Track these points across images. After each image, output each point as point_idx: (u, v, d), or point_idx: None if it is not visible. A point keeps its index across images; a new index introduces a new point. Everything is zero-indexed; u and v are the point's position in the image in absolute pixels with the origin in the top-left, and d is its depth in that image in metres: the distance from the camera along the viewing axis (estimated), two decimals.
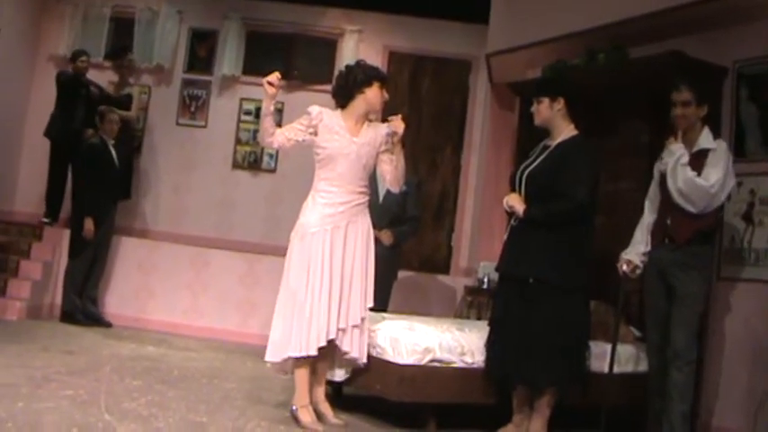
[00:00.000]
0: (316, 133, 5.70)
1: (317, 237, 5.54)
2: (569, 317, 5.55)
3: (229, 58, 11.21)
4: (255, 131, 10.87)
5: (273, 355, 5.64)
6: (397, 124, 5.67)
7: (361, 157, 5.67)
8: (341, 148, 5.64)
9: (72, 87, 10.19)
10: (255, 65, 11.12)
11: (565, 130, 5.78)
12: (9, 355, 6.92)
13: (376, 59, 10.26)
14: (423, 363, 5.73)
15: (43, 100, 10.63)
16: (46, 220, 10.26)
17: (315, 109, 5.76)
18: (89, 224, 9.39)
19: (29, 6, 11.25)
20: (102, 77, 10.88)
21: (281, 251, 6.18)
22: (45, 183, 10.43)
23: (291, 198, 7.65)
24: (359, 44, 11.14)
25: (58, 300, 9.79)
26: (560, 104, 5.76)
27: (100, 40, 11.42)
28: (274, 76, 5.64)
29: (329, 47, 11.35)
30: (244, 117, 11.25)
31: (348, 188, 5.65)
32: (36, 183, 10.78)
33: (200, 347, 8.95)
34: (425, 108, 11.10)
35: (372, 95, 5.75)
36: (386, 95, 5.83)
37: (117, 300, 10.19)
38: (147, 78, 11.35)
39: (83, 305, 9.63)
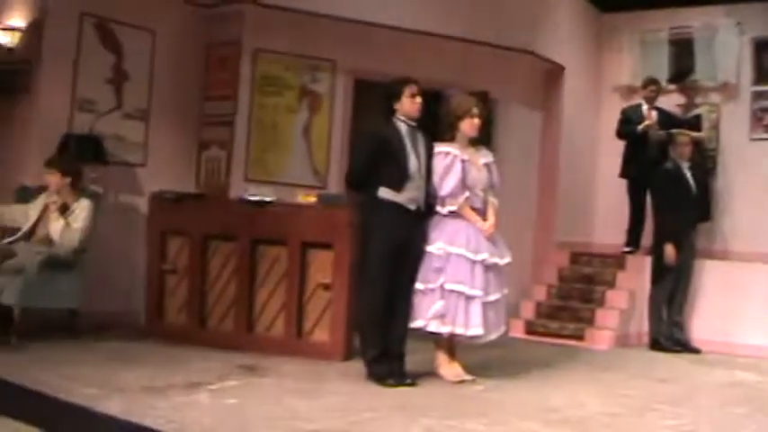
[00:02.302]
0: None
1: None
2: None
3: None
4: None
5: None
6: None
7: None
8: None
9: (635, 122, 10.25)
10: None
11: None
12: (604, 383, 7.04)
13: None
14: None
15: (612, 131, 10.76)
16: (627, 249, 10.38)
17: None
18: (669, 249, 9.29)
19: (589, 41, 11.56)
20: (669, 101, 10.80)
21: None
22: (620, 212, 10.55)
23: None
24: None
25: (645, 327, 9.79)
26: None
27: (661, 64, 11.34)
28: None
29: None
30: None
31: None
32: (612, 213, 10.94)
33: None
34: None
35: None
36: None
37: (703, 324, 9.92)
38: (714, 96, 11.06)
39: (668, 331, 9.53)
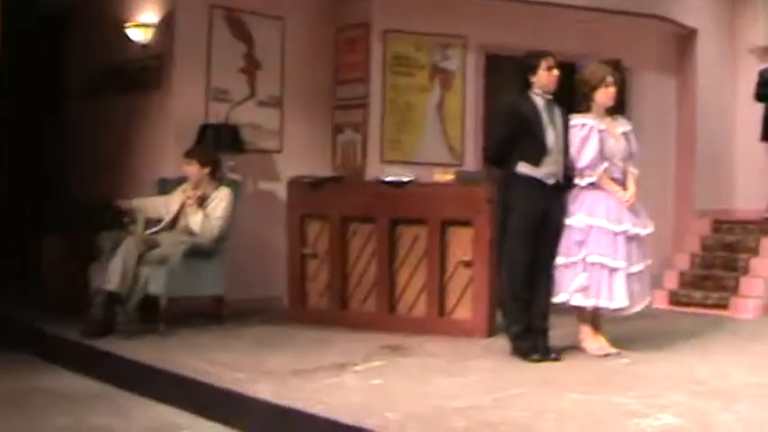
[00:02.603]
0: None
1: None
2: None
3: None
4: None
5: None
6: None
7: None
8: None
9: None
10: None
11: None
12: (750, 353, 6.85)
13: None
14: None
15: (750, 94, 10.43)
16: None
17: None
18: None
19: (722, 1, 11.22)
20: None
21: None
22: (762, 177, 10.30)
23: None
24: None
25: None
26: None
27: None
28: None
29: None
30: None
31: None
32: (754, 178, 10.69)
33: None
34: None
35: None
36: None
37: None
38: None
39: None
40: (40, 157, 10.06)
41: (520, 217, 6.21)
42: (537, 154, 6.22)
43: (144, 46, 8.63)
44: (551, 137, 6.27)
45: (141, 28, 8.61)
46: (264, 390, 5.16)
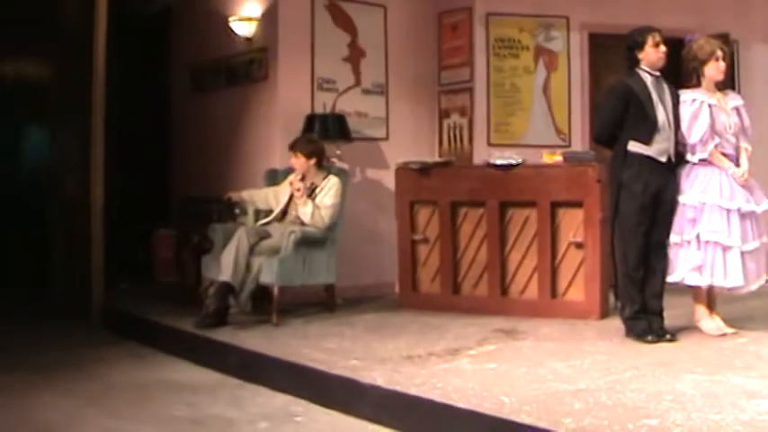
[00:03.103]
0: None
1: None
2: None
3: None
4: None
5: None
6: None
7: None
8: None
9: None
10: None
11: None
12: None
13: None
14: None
15: None
16: None
17: None
18: None
19: None
20: None
21: None
22: None
23: None
24: None
25: None
26: None
27: None
28: None
29: None
30: None
31: None
32: None
33: None
34: None
35: None
36: None
37: None
38: None
39: None
40: (149, 153, 10.25)
41: (632, 196, 6.11)
42: (648, 132, 6.10)
43: (248, 39, 8.74)
44: (662, 114, 6.14)
45: (245, 21, 8.72)
46: (379, 376, 5.15)
